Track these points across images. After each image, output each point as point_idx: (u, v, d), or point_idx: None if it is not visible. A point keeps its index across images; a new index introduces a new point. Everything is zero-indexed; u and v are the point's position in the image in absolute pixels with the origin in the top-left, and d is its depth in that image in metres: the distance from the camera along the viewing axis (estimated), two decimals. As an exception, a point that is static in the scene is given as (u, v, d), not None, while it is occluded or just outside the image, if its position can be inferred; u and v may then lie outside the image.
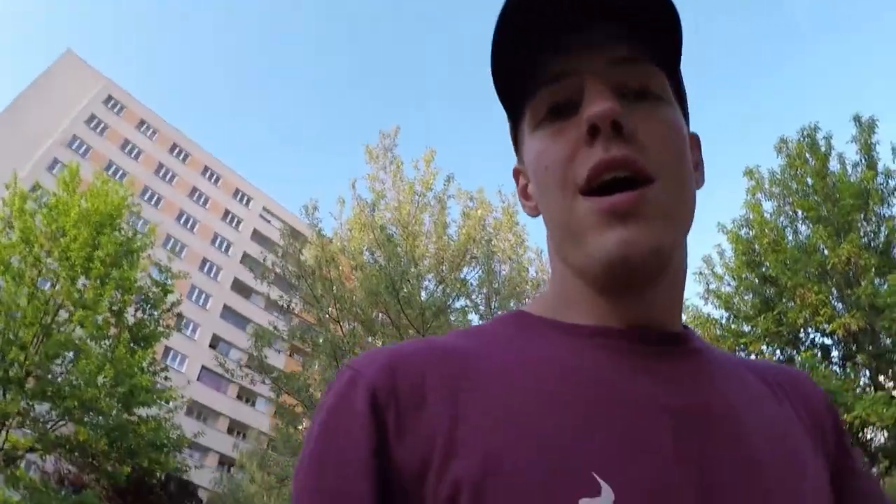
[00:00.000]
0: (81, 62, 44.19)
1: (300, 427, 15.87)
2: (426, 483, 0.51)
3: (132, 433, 14.26)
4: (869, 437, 12.73)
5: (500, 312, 14.26)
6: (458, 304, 15.34)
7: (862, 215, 12.54)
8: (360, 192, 16.90)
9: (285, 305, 18.19)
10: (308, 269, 15.99)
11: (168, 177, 46.05)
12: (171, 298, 17.46)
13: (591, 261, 0.56)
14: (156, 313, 16.94)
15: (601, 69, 0.56)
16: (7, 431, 13.77)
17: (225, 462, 40.22)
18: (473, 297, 15.48)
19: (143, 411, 15.41)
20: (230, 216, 49.60)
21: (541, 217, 0.65)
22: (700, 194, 0.63)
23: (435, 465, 0.51)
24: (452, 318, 14.79)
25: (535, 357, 0.58)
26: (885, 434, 12.33)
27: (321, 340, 15.17)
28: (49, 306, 14.08)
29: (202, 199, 48.02)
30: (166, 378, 16.98)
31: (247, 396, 42.25)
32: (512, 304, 15.11)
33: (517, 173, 0.71)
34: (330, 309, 15.93)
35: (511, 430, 0.52)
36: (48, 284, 14.68)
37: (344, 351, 14.25)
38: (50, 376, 14.11)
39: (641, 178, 0.54)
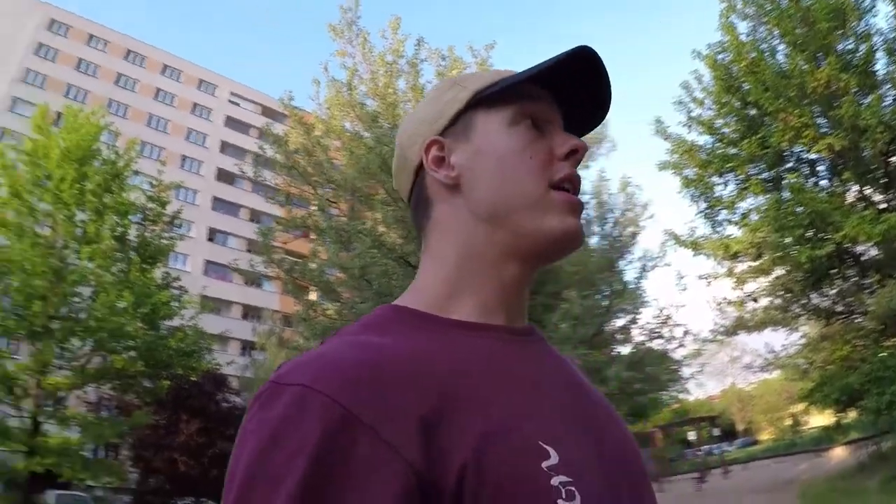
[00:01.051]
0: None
1: (318, 308, 16.43)
2: (435, 476, 0.56)
3: (163, 348, 14.85)
4: (860, 250, 13.01)
5: None
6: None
7: (840, 33, 12.01)
8: (333, 73, 16.53)
9: (283, 199, 18.29)
10: (296, 154, 15.99)
11: (129, 85, 44.97)
12: (171, 208, 17.56)
13: (545, 230, 0.73)
14: (156, 228, 17.10)
15: (563, 116, 0.80)
16: (46, 376, 14.28)
17: (246, 346, 41.95)
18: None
19: (167, 324, 15.91)
20: (199, 108, 48.62)
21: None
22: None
23: (439, 459, 0.56)
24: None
25: (461, 351, 0.68)
26: (875, 249, 12.47)
27: (325, 226, 15.32)
28: (54, 250, 14.13)
29: (168, 98, 46.99)
30: (180, 288, 17.40)
31: (252, 280, 43.24)
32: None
33: (436, 144, 0.78)
34: (324, 190, 16.12)
35: (479, 416, 0.61)
36: (46, 228, 14.58)
37: (348, 232, 14.47)
38: (73, 314, 14.41)
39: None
